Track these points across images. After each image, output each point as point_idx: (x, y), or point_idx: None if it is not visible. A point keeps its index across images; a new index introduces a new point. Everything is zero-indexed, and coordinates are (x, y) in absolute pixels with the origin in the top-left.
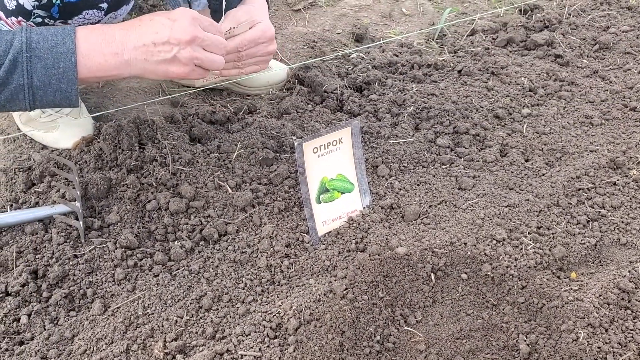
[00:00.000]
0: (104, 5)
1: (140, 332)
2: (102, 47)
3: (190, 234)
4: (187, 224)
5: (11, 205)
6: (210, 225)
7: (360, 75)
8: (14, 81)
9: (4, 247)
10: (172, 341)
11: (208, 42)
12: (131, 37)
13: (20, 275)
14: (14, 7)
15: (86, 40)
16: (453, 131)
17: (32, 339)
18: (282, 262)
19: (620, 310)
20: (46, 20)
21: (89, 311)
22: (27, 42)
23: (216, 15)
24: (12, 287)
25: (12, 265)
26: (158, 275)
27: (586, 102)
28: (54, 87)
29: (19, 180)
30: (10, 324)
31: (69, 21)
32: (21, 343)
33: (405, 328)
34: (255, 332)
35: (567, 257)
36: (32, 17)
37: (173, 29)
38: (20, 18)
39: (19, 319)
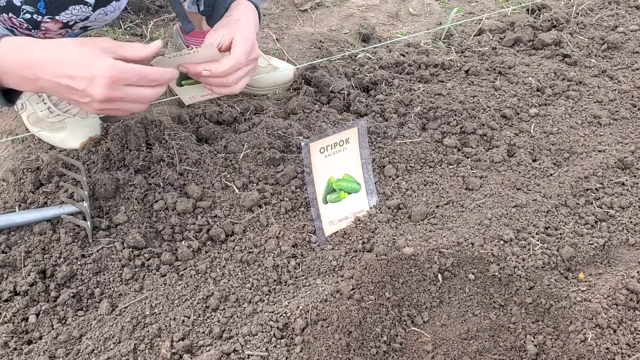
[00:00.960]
0: (91, 0)
1: (148, 331)
2: (18, 69)
3: (197, 234)
4: (194, 224)
5: (19, 205)
6: (217, 225)
7: (367, 75)
8: None
9: (12, 247)
10: (179, 341)
11: (128, 96)
12: (49, 69)
13: (29, 275)
14: (4, 4)
15: (3, 60)
16: (460, 131)
17: (40, 338)
18: (288, 262)
19: (629, 311)
20: (34, 16)
21: (97, 311)
22: None
23: (210, 22)
24: (20, 286)
25: (20, 265)
26: (165, 275)
27: (594, 102)
28: None
29: (28, 181)
30: (18, 323)
31: (57, 17)
32: (29, 342)
33: (412, 328)
34: (262, 332)
35: (575, 257)
36: (22, 13)
37: (91, 83)
38: (10, 14)
39: (28, 318)
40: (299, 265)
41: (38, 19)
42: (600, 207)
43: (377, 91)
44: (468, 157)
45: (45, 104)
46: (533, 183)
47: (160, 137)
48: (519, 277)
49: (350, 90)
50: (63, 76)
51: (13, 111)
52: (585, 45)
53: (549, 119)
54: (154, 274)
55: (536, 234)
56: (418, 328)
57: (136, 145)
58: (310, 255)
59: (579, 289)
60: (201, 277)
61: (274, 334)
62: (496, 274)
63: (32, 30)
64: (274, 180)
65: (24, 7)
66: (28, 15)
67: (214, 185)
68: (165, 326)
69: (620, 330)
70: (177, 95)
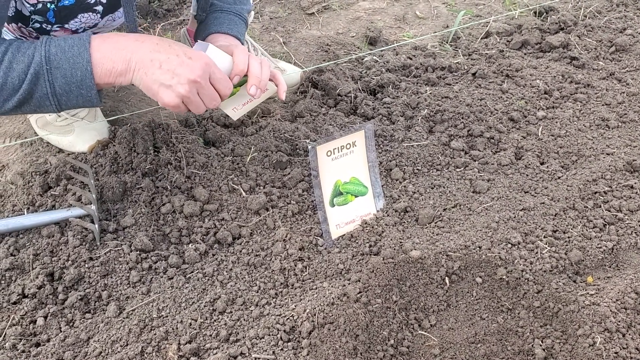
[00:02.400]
0: (99, 8)
1: (155, 334)
2: (112, 54)
3: (204, 237)
4: (202, 227)
5: (28, 208)
6: (224, 228)
7: (374, 79)
8: (38, 91)
9: (21, 249)
10: (186, 344)
11: (205, 91)
12: (144, 49)
13: (37, 278)
14: (13, 13)
15: (98, 49)
16: (467, 134)
17: (48, 340)
18: (295, 266)
19: (638, 315)
20: (44, 26)
21: (104, 313)
22: (46, 55)
23: (200, 28)
24: (28, 289)
25: (29, 268)
26: (172, 278)
27: (602, 105)
28: (75, 93)
29: (36, 184)
30: (26, 325)
31: (66, 25)
32: (37, 345)
33: (420, 332)
34: (269, 335)
35: (583, 261)
36: (31, 23)
37: (184, 63)
38: (20, 24)
39: (36, 320)
40: (305, 268)
41: (47, 28)
42: (609, 210)
43: (384, 94)
44: (475, 160)
45: None
46: (541, 186)
47: (167, 140)
48: (526, 280)
49: (357, 93)
50: (160, 53)
51: (21, 115)
52: (593, 48)
53: (556, 122)
54: (161, 277)
55: (544, 237)
56: (425, 331)
57: (144, 149)
58: (317, 259)
59: (588, 293)
60: (208, 280)
61: (281, 337)
62: (504, 277)
63: None
64: (281, 183)
65: (33, 16)
66: (37, 25)
67: (221, 189)
68: (173, 329)
69: (629, 334)
70: (223, 111)
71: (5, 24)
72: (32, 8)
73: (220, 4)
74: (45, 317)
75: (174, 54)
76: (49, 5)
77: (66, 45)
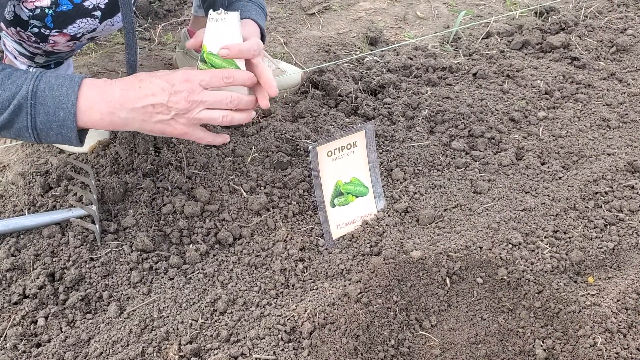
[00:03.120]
0: (98, 13)
1: (156, 334)
2: (100, 105)
3: (205, 237)
4: (202, 227)
5: (29, 209)
6: (225, 228)
7: (374, 79)
8: (18, 122)
9: (22, 250)
10: (187, 344)
11: (209, 102)
12: (130, 98)
13: (38, 278)
14: (12, 18)
15: (87, 96)
16: (468, 134)
17: (49, 341)
18: (296, 266)
19: (639, 316)
20: (42, 30)
21: (105, 314)
22: (33, 90)
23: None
24: (29, 289)
25: (29, 268)
26: (173, 279)
27: (603, 105)
28: (55, 131)
29: (37, 184)
30: (27, 326)
31: (64, 30)
32: (38, 345)
33: (420, 332)
34: (270, 335)
35: (584, 261)
36: (30, 27)
37: (171, 94)
38: (18, 28)
39: (36, 321)
40: (306, 268)
41: (46, 33)
42: (610, 211)
43: (384, 94)
44: (476, 161)
45: None
46: (542, 186)
47: (168, 140)
48: (527, 281)
49: (358, 93)
50: (146, 96)
51: None
52: (594, 48)
53: (557, 122)
54: (162, 277)
55: (545, 237)
56: (426, 332)
57: (144, 149)
58: (318, 259)
59: (588, 293)
60: (209, 280)
61: (282, 338)
62: (505, 277)
63: (40, 43)
64: (282, 183)
65: (31, 21)
66: (36, 30)
67: (221, 189)
68: (173, 329)
69: (630, 334)
70: None
71: (5, 27)
72: (30, 13)
73: None
74: (46, 318)
75: (159, 88)
76: (47, 10)
77: (56, 84)
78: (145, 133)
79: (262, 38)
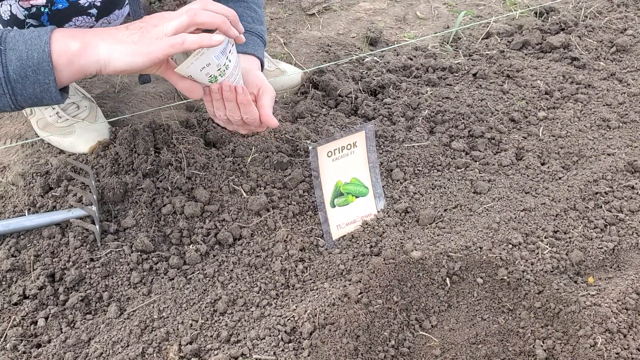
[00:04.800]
0: (93, 11)
1: (156, 335)
2: (71, 33)
3: (205, 237)
4: (202, 227)
5: (29, 209)
6: (225, 229)
7: (374, 79)
8: None
9: (22, 250)
10: (187, 344)
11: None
12: (104, 28)
13: (38, 279)
14: (8, 17)
15: (60, 35)
16: (468, 134)
17: (49, 341)
18: (296, 266)
19: (639, 316)
20: None
21: (105, 314)
22: (2, 36)
23: None
24: (29, 290)
25: (29, 269)
26: (173, 279)
27: (603, 105)
28: (32, 79)
29: (37, 185)
30: (27, 326)
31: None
32: (38, 346)
33: (420, 332)
34: (270, 336)
35: (584, 261)
36: (26, 27)
37: (144, 19)
38: (15, 28)
39: (37, 322)
40: (306, 269)
41: None
42: (610, 211)
43: (384, 95)
44: (476, 161)
45: (53, 109)
46: (542, 187)
47: (168, 141)
48: (527, 281)
49: (358, 93)
50: (119, 28)
51: (22, 116)
52: (594, 48)
53: (557, 122)
54: (162, 278)
55: (545, 237)
56: (426, 332)
57: (144, 150)
58: (318, 259)
59: (589, 294)
60: (209, 280)
61: (282, 338)
62: (505, 278)
63: None
64: (282, 184)
65: (28, 20)
66: (32, 29)
67: (221, 189)
68: (174, 330)
69: (631, 334)
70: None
71: (2, 27)
72: (26, 12)
73: (242, 24)
74: (46, 318)
75: (136, 22)
76: (42, 9)
77: (26, 31)
78: (132, 65)
79: (262, 68)
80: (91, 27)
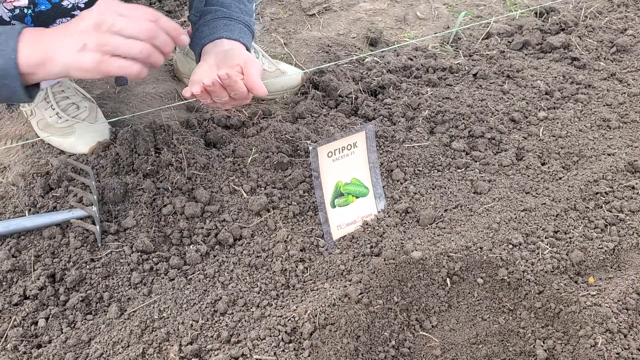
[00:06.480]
0: (77, 12)
1: (156, 335)
2: (35, 40)
3: (205, 238)
4: (203, 228)
5: (29, 210)
6: (226, 229)
7: (374, 79)
8: None
9: (22, 251)
10: (187, 345)
11: (120, 24)
12: (60, 29)
13: (38, 279)
14: None
15: (27, 34)
16: (468, 135)
17: (49, 342)
18: (296, 267)
19: (639, 316)
20: None
21: (106, 315)
22: None
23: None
24: (30, 290)
25: (30, 269)
26: (174, 279)
27: (603, 105)
28: None
29: (37, 185)
30: (28, 327)
31: None
32: (39, 346)
33: (421, 333)
34: (270, 336)
35: (584, 261)
36: None
37: (83, 18)
38: None
39: (37, 322)
40: (307, 269)
41: None
42: (610, 211)
43: (384, 95)
44: (476, 161)
45: (53, 109)
46: (542, 187)
47: (168, 141)
48: (528, 281)
49: (358, 94)
50: (67, 26)
51: (23, 116)
52: (594, 49)
53: (557, 123)
54: (163, 278)
55: (545, 238)
56: (426, 332)
57: (145, 150)
58: (318, 260)
59: (589, 294)
60: (209, 281)
61: (282, 338)
62: (505, 278)
63: None
64: (282, 184)
65: (13, 22)
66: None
67: (222, 190)
68: (174, 330)
69: (631, 335)
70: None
71: None
72: (10, 13)
73: (229, 12)
74: (47, 319)
75: (77, 18)
76: (25, 10)
77: None
78: (73, 75)
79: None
80: None
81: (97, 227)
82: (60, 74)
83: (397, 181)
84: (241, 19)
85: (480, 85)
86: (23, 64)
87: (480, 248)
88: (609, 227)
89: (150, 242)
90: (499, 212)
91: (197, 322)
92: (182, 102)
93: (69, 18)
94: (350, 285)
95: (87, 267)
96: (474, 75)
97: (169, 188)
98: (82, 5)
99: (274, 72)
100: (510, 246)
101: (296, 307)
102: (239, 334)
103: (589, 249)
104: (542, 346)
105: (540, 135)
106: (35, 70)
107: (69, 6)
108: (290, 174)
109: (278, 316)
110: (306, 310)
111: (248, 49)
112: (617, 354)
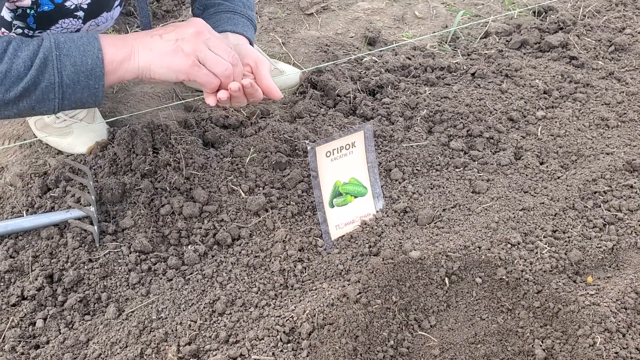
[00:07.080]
0: (80, 13)
1: (154, 336)
2: (116, 41)
3: (203, 238)
4: (201, 228)
5: (27, 210)
6: (224, 229)
7: (373, 79)
8: (45, 80)
9: (20, 251)
10: (185, 345)
11: (213, 42)
12: (143, 34)
13: (36, 280)
14: None
15: (108, 42)
16: (467, 134)
17: (47, 342)
18: (295, 267)
19: (638, 315)
20: (25, 31)
21: (104, 315)
22: (55, 42)
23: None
24: (28, 291)
25: (28, 270)
26: (172, 280)
27: (602, 104)
28: (82, 84)
29: (35, 185)
30: (26, 327)
31: (47, 31)
32: (37, 347)
33: (419, 332)
34: (269, 336)
35: (583, 261)
36: (13, 29)
37: (180, 27)
38: (3, 29)
39: (35, 322)
40: (305, 269)
41: (29, 34)
42: (609, 210)
43: (383, 94)
44: (475, 160)
45: None
46: (540, 186)
47: (166, 141)
48: (526, 280)
49: (356, 93)
50: (156, 31)
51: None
52: (592, 48)
53: (556, 122)
54: (161, 279)
55: (544, 237)
56: (425, 332)
57: (143, 150)
58: (317, 259)
59: (588, 293)
60: (207, 281)
61: (281, 338)
62: (504, 277)
63: None
64: (280, 184)
65: (14, 22)
66: (20, 30)
67: (220, 190)
68: (172, 330)
69: (630, 334)
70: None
71: None
72: (12, 14)
73: (232, 6)
74: (45, 319)
75: (169, 27)
76: (28, 10)
77: (75, 36)
78: (156, 77)
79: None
80: (78, 30)
81: (95, 227)
82: (140, 71)
83: (396, 181)
84: (244, 12)
85: (479, 85)
86: (108, 63)
87: (479, 247)
88: (607, 226)
89: (148, 242)
90: (497, 212)
91: (195, 322)
92: (180, 102)
93: (71, 19)
94: (348, 285)
95: (85, 267)
96: (472, 74)
97: (167, 188)
98: (85, 7)
99: (273, 72)
100: (509, 246)
101: (294, 307)
102: (237, 334)
103: (587, 248)
104: (541, 346)
105: (539, 134)
106: (118, 68)
107: (72, 7)
108: (288, 174)
109: (276, 316)
110: (304, 310)
111: (251, 43)
112: (616, 353)
